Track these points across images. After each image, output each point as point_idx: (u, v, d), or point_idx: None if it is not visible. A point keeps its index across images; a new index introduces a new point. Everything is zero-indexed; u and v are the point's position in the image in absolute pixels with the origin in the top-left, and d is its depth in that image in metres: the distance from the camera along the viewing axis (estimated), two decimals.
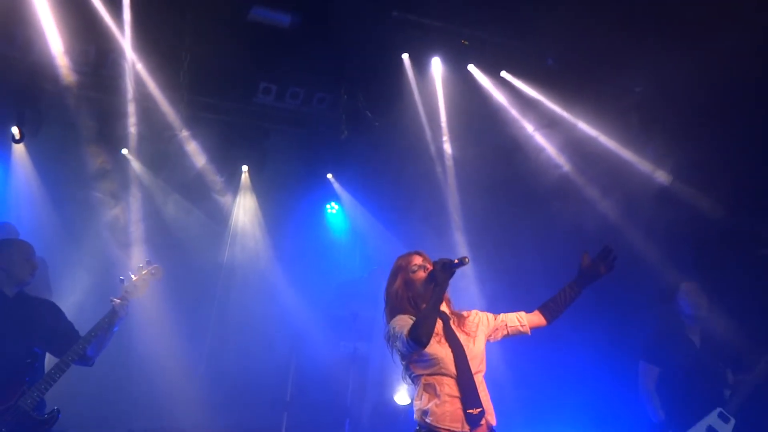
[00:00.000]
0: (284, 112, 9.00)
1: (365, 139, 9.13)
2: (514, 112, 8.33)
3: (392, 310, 3.98)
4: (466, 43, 7.95)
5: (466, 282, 7.93)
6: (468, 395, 3.76)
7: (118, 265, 7.56)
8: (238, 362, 8.55)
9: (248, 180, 9.65)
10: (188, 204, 8.98)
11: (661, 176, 7.35)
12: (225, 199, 9.38)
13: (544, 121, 8.16)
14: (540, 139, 8.23)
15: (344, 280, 9.17)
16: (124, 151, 8.58)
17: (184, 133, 8.26)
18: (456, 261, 3.73)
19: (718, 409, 5.53)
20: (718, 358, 5.71)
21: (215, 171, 8.91)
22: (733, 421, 5.51)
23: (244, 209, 9.66)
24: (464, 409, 3.74)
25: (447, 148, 8.70)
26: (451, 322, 3.98)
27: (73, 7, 6.83)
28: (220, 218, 9.34)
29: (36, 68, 7.25)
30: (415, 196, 8.99)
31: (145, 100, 7.91)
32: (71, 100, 7.60)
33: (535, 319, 4.13)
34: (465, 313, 4.11)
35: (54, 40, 7.00)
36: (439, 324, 3.90)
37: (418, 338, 3.60)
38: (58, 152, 8.10)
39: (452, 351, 3.83)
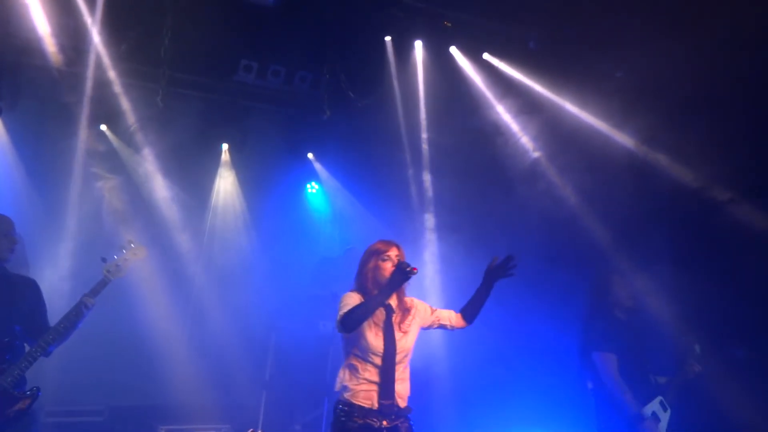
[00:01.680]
0: (265, 91, 8.93)
1: (347, 120, 9.11)
2: (495, 96, 8.37)
3: (356, 282, 4.50)
4: (449, 24, 7.95)
5: (441, 265, 8.06)
6: (384, 385, 4.30)
7: (98, 243, 7.49)
8: (218, 341, 8.56)
9: (228, 158, 9.60)
10: (167, 181, 8.91)
11: (640, 149, 7.41)
12: (205, 177, 9.33)
13: (524, 105, 8.20)
14: (519, 124, 8.27)
15: (323, 259, 9.18)
16: (103, 127, 8.50)
17: (163, 110, 8.18)
18: (408, 269, 4.20)
19: (660, 398, 5.66)
20: (651, 346, 5.85)
21: (195, 148, 8.84)
22: (669, 411, 5.65)
23: (224, 187, 9.62)
24: (378, 396, 4.29)
25: (425, 131, 8.73)
26: (394, 317, 4.44)
27: None
28: (199, 196, 9.29)
29: (14, 42, 7.14)
30: (394, 178, 9.01)
31: (124, 76, 7.82)
32: (50, 74, 7.50)
33: (459, 321, 4.68)
34: (408, 303, 4.56)
35: (32, 13, 6.90)
36: (383, 316, 4.41)
37: (346, 325, 4.19)
38: (36, 127, 8.00)
39: (384, 344, 4.33)
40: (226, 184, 9.62)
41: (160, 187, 8.84)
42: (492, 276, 4.56)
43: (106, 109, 8.10)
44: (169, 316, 8.17)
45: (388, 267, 4.37)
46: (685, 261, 6.87)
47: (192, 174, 9.05)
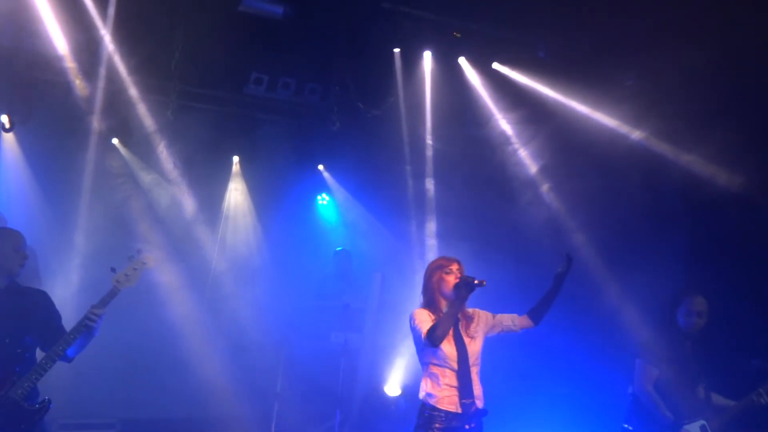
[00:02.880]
0: (276, 103, 8.99)
1: (357, 131, 9.14)
2: (504, 106, 8.38)
3: (424, 296, 4.91)
4: (458, 35, 7.96)
5: None
6: (464, 387, 4.69)
7: (109, 254, 7.50)
8: (229, 352, 8.54)
9: (239, 170, 9.63)
10: (179, 194, 8.95)
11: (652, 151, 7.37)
12: (216, 189, 9.36)
13: (533, 114, 8.19)
14: (528, 132, 8.26)
15: (335, 272, 9.16)
16: (115, 140, 8.55)
17: (175, 123, 8.24)
18: (476, 282, 4.64)
19: (702, 421, 5.48)
20: (703, 370, 5.72)
21: (206, 160, 8.88)
22: None
23: (235, 200, 9.65)
24: (459, 398, 4.67)
25: (434, 141, 8.74)
26: (460, 324, 4.82)
27: None
28: (210, 208, 9.32)
29: (27, 57, 7.21)
30: (404, 189, 9.02)
31: (136, 89, 7.88)
32: (62, 89, 7.56)
33: (525, 321, 5.02)
34: (470, 312, 4.92)
35: (45, 28, 6.97)
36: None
37: (433, 341, 4.58)
38: (49, 140, 8.04)
39: (457, 350, 4.72)
40: (237, 195, 9.64)
41: (172, 200, 8.88)
42: (561, 278, 4.90)
43: (117, 123, 8.16)
44: (179, 327, 8.16)
45: (451, 280, 4.77)
46: (699, 265, 6.82)
47: (203, 186, 9.07)
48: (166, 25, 7.29)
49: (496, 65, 8.23)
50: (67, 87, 7.56)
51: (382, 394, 8.10)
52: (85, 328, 4.62)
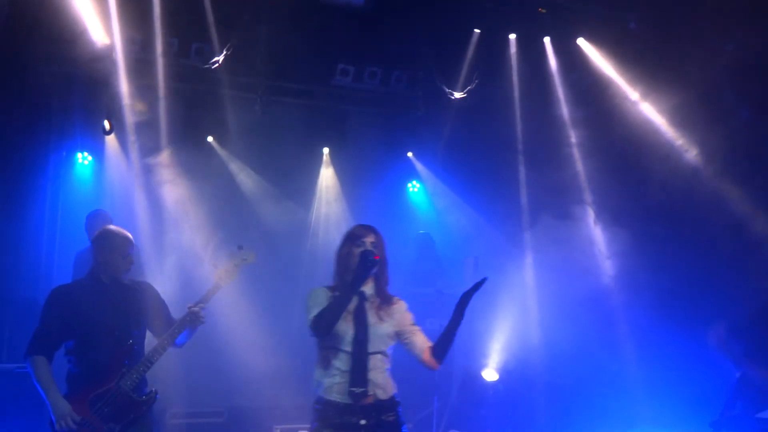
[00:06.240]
0: (363, 93, 9.04)
1: (444, 116, 9.07)
2: (592, 85, 8.15)
3: (334, 270, 4.18)
4: (543, 10, 7.76)
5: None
6: (356, 373, 3.95)
7: (207, 251, 7.75)
8: None
9: (329, 162, 9.73)
10: (272, 188, 9.11)
11: None
12: (307, 182, 9.50)
13: (625, 92, 7.91)
14: (620, 113, 7.98)
15: (418, 254, 9.10)
16: (210, 138, 8.78)
17: (264, 118, 8.39)
18: (373, 257, 3.93)
19: None
20: None
21: (297, 154, 9.01)
22: None
23: (326, 191, 9.75)
24: (349, 385, 3.93)
25: (522, 123, 8.58)
26: (367, 304, 4.09)
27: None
28: (303, 202, 9.46)
29: (115, 62, 7.47)
30: (495, 174, 8.89)
31: (224, 87, 8.06)
32: (153, 92, 7.81)
33: (430, 358, 4.22)
34: (389, 296, 4.19)
35: (134, 33, 7.26)
36: (355, 302, 4.05)
37: (316, 331, 3.95)
38: (147, 143, 8.34)
39: (354, 329, 3.99)
40: (328, 187, 9.74)
41: (265, 194, 9.06)
42: (464, 304, 4.21)
43: (209, 121, 8.38)
44: (279, 318, 8.33)
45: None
46: None
47: (295, 179, 9.22)
48: (250, 21, 7.41)
49: (581, 41, 7.98)
50: (161, 89, 7.80)
51: (480, 380, 8.04)
52: (192, 318, 4.77)
